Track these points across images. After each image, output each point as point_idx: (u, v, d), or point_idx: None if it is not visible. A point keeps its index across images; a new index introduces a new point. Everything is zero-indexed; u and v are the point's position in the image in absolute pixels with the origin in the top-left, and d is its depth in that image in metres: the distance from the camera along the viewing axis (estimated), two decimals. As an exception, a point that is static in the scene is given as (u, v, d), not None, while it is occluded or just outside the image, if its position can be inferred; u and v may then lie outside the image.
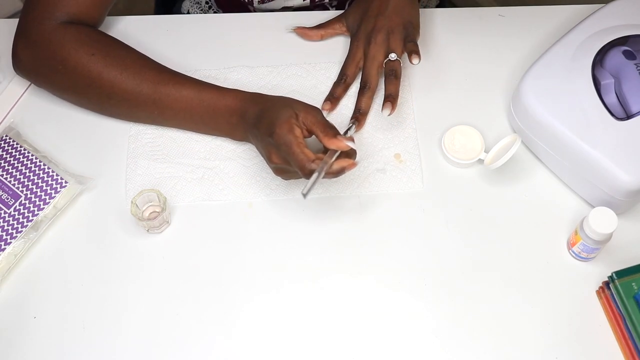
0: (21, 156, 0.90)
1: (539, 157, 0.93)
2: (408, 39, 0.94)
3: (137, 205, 0.85)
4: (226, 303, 0.84)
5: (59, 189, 0.88)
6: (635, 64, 0.88)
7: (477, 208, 0.90)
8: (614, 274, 0.81)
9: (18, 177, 0.89)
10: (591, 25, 0.92)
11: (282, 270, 0.86)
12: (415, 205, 0.90)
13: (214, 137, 0.93)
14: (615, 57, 0.89)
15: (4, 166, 0.90)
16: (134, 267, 0.86)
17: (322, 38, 1.02)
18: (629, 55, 0.89)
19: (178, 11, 1.21)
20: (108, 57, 0.88)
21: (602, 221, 0.80)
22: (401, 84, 0.95)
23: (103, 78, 0.88)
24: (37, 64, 0.90)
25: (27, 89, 0.98)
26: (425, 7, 1.19)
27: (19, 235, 0.85)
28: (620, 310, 0.81)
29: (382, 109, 0.91)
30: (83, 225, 0.88)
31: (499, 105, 0.97)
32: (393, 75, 0.93)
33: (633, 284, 0.80)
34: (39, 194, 0.88)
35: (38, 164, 0.90)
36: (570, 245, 0.86)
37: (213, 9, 1.17)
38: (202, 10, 1.18)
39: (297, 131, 0.80)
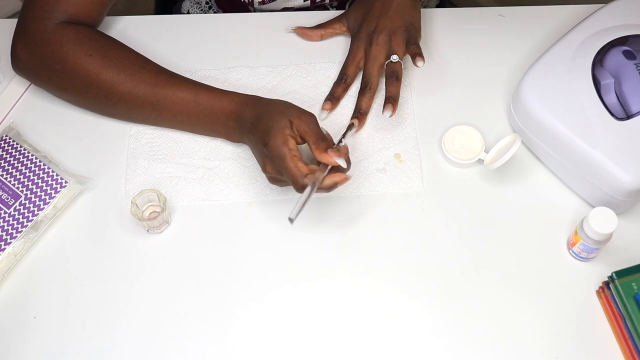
0: (21, 156, 0.90)
1: (539, 157, 0.93)
2: (411, 42, 0.95)
3: (137, 205, 0.85)
4: (226, 303, 0.84)
5: (59, 189, 0.88)
6: (635, 64, 0.88)
7: (477, 208, 0.90)
8: (614, 274, 0.81)
9: (18, 177, 0.89)
10: (591, 25, 0.92)
11: (282, 270, 0.86)
12: (415, 205, 0.90)
13: (213, 137, 0.93)
14: (615, 57, 0.89)
15: (4, 166, 0.90)
16: (134, 267, 0.86)
17: (322, 38, 1.02)
18: (629, 55, 0.89)
19: (178, 11, 1.21)
20: (106, 58, 0.88)
21: (602, 221, 0.80)
22: (401, 84, 0.95)
23: (101, 79, 0.88)
24: (35, 63, 0.90)
25: (27, 89, 0.98)
26: (425, 7, 1.19)
27: (19, 235, 0.85)
28: (620, 310, 0.81)
29: (383, 111, 0.91)
30: (83, 225, 0.88)
31: (499, 105, 0.97)
32: (394, 77, 0.94)
33: (633, 284, 0.80)
34: (39, 194, 0.88)
35: (38, 164, 0.90)
36: (570, 245, 0.86)
37: (213, 9, 1.17)
38: (202, 10, 1.18)
39: (292, 143, 0.80)
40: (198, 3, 1.18)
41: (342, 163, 0.80)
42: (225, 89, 0.90)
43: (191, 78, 0.91)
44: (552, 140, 0.87)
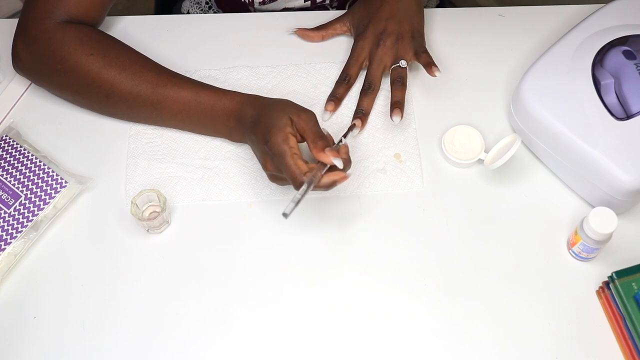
0: (21, 156, 0.90)
1: (539, 157, 0.93)
2: (420, 49, 0.95)
3: (137, 205, 0.85)
4: (226, 303, 0.84)
5: (59, 189, 0.88)
6: (635, 64, 0.88)
7: (477, 208, 0.90)
8: (614, 274, 0.81)
9: (18, 177, 0.89)
10: (591, 25, 0.92)
11: (281, 269, 0.86)
12: (415, 205, 0.90)
13: (213, 137, 0.93)
14: (615, 57, 0.89)
15: (4, 166, 0.90)
16: (134, 267, 0.86)
17: (323, 39, 1.02)
18: (629, 55, 0.89)
19: (178, 11, 1.21)
20: (107, 57, 0.89)
21: (602, 221, 0.80)
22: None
23: (101, 78, 0.88)
24: (36, 62, 0.90)
25: (27, 89, 0.98)
26: (425, 7, 1.19)
27: (19, 235, 0.85)
28: (620, 310, 0.81)
29: (392, 116, 0.92)
30: (83, 225, 0.88)
31: (499, 105, 0.97)
32: (400, 82, 0.94)
33: (633, 284, 0.80)
34: (39, 194, 0.88)
35: (38, 164, 0.90)
36: (570, 245, 0.86)
37: (213, 9, 1.17)
38: (202, 10, 1.18)
39: (292, 141, 0.80)
40: (198, 3, 1.18)
41: (338, 163, 0.80)
42: (226, 89, 0.90)
43: (191, 78, 0.91)
44: (552, 140, 0.87)
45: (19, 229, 0.86)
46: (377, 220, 0.89)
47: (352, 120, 0.94)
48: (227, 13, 1.10)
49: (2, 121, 0.95)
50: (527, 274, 0.86)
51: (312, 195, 0.84)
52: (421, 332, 0.83)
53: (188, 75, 0.92)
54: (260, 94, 0.90)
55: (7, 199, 0.88)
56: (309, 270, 0.86)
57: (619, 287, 0.80)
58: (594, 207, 0.83)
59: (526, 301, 0.84)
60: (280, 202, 0.90)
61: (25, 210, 0.87)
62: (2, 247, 0.85)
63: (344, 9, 1.10)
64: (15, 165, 0.90)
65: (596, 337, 0.82)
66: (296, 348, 0.82)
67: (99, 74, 0.88)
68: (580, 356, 0.81)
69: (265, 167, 0.84)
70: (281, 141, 0.79)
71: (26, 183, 0.88)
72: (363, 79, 0.97)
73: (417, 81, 0.99)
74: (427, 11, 1.03)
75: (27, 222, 0.86)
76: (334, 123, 0.96)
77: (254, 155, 0.89)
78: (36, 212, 0.87)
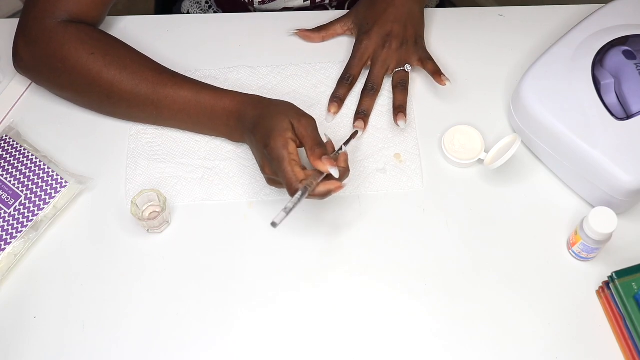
0: (21, 156, 0.90)
1: (539, 157, 0.93)
2: (425, 56, 0.96)
3: (137, 205, 0.85)
4: (226, 303, 0.84)
5: (59, 189, 0.88)
6: (635, 64, 0.88)
7: (477, 208, 0.90)
8: (614, 274, 0.81)
9: (18, 177, 0.89)
10: (591, 25, 0.92)
11: (281, 269, 0.86)
12: (415, 205, 0.90)
13: (213, 137, 0.93)
14: (615, 57, 0.89)
15: (4, 166, 0.90)
16: (134, 267, 0.86)
17: (323, 40, 1.02)
18: (629, 55, 0.89)
19: (178, 11, 1.21)
20: (107, 57, 0.89)
21: (602, 221, 0.80)
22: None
23: (102, 77, 0.88)
24: (37, 62, 0.90)
25: (27, 89, 0.98)
26: (425, 7, 1.19)
27: (19, 235, 0.85)
28: (620, 310, 0.81)
29: (396, 121, 0.92)
30: (83, 225, 0.88)
31: (499, 105, 0.97)
32: (402, 85, 0.95)
33: (633, 284, 0.80)
34: (39, 194, 0.88)
35: (38, 164, 0.90)
36: (570, 245, 0.86)
37: (213, 9, 1.17)
38: (202, 10, 1.18)
39: (292, 147, 0.80)
40: (198, 3, 1.18)
41: (334, 172, 0.79)
42: (227, 89, 0.90)
43: (192, 78, 0.91)
44: (552, 140, 0.87)
45: (19, 229, 0.86)
46: (377, 220, 0.89)
47: (354, 121, 0.94)
48: (227, 13, 1.10)
49: (2, 121, 0.95)
50: (527, 274, 0.86)
51: (304, 201, 0.84)
52: (421, 332, 0.83)
53: (188, 75, 0.92)
54: (260, 94, 0.90)
55: (7, 199, 0.88)
56: (309, 270, 0.86)
57: (619, 287, 0.80)
58: (594, 207, 0.83)
59: (526, 301, 0.84)
60: (281, 202, 0.89)
61: (25, 210, 0.87)
62: (2, 247, 0.85)
63: (344, 9, 1.10)
64: (15, 165, 0.90)
65: (596, 337, 0.82)
66: (296, 348, 0.82)
67: (100, 74, 0.88)
68: (580, 356, 0.81)
69: (263, 170, 0.84)
70: (280, 146, 0.79)
71: (26, 183, 0.88)
72: (364, 79, 0.97)
73: (417, 81, 0.99)
74: (427, 11, 1.03)
75: (27, 222, 0.86)
76: (335, 123, 0.96)
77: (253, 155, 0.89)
78: (36, 212, 0.87)
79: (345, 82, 0.96)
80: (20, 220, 0.86)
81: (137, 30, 1.01)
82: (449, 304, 0.84)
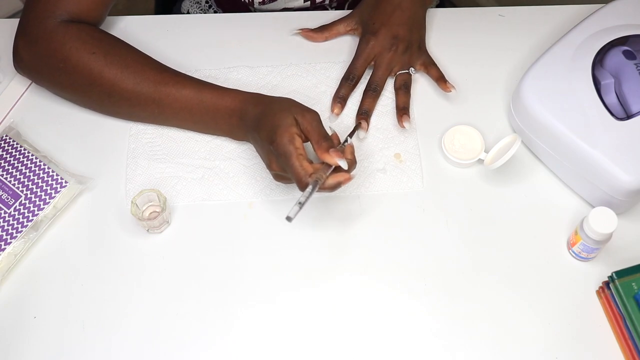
0: (21, 156, 0.90)
1: (539, 157, 0.93)
2: (429, 61, 0.97)
3: (137, 205, 0.85)
4: (226, 303, 0.84)
5: (59, 189, 0.88)
6: (635, 64, 0.88)
7: (477, 208, 0.90)
8: (614, 274, 0.81)
9: (18, 177, 0.89)
10: (591, 25, 0.92)
11: (282, 269, 0.86)
12: (415, 205, 0.90)
13: (213, 137, 0.93)
14: (615, 57, 0.89)
15: (4, 166, 0.90)
16: (134, 267, 0.86)
17: (326, 39, 1.02)
18: (629, 55, 0.89)
19: (178, 11, 1.21)
20: (109, 56, 0.89)
21: (602, 221, 0.80)
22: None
23: (103, 77, 0.88)
24: (37, 62, 0.90)
25: (27, 89, 0.98)
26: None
27: (19, 235, 0.85)
28: (620, 310, 0.81)
29: (401, 123, 0.93)
30: (83, 225, 0.88)
31: (499, 105, 0.97)
32: (405, 88, 0.96)
33: (633, 284, 0.80)
34: (39, 194, 0.88)
35: (38, 164, 0.90)
36: (570, 245, 0.86)
37: (213, 9, 1.17)
38: (202, 10, 1.18)
39: (298, 142, 0.80)
40: (198, 3, 1.18)
41: (342, 164, 0.80)
42: (229, 87, 0.90)
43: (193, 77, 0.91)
44: (552, 140, 0.87)
45: (19, 229, 0.86)
46: (377, 220, 0.89)
47: (356, 121, 0.94)
48: (227, 13, 1.10)
49: (2, 121, 0.95)
50: (527, 273, 0.86)
51: (313, 195, 0.83)
52: (421, 332, 0.83)
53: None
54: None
55: (7, 199, 0.88)
56: (309, 270, 0.86)
57: (619, 287, 0.80)
58: (594, 207, 0.83)
59: (526, 301, 0.84)
60: (281, 202, 0.90)
61: (25, 210, 0.87)
62: (2, 247, 0.85)
63: (343, 9, 1.10)
64: (15, 165, 0.90)
65: (596, 337, 0.82)
66: (296, 348, 0.82)
67: (101, 73, 0.88)
68: (580, 356, 0.81)
69: (270, 167, 0.84)
70: (287, 141, 0.79)
71: (26, 183, 0.88)
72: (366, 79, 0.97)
73: (419, 81, 0.99)
74: (428, 11, 1.03)
75: (27, 222, 0.86)
76: (336, 122, 0.96)
77: (255, 154, 0.89)
78: (36, 212, 0.87)
79: (350, 82, 0.96)
80: (20, 220, 0.86)
81: (137, 30, 1.01)
82: (449, 304, 0.84)
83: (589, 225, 0.80)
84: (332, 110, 0.95)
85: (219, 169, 0.92)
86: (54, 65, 0.89)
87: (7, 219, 0.86)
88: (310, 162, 0.80)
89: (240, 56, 1.00)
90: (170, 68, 0.91)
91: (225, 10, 1.14)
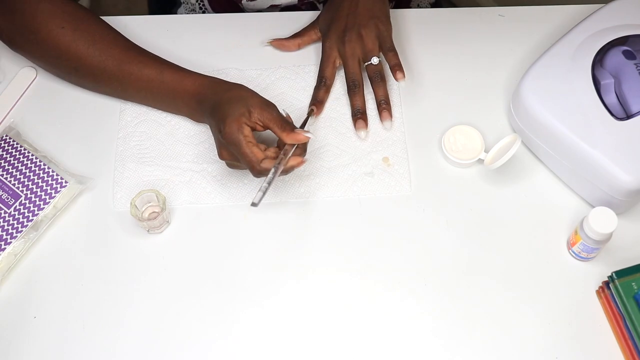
0: (21, 156, 0.90)
1: (539, 157, 0.93)
2: (386, 45, 0.95)
3: (136, 206, 0.85)
4: (226, 303, 0.84)
5: (59, 189, 0.88)
6: (635, 64, 0.88)
7: (477, 208, 0.90)
8: (614, 274, 0.81)
9: (18, 177, 0.89)
10: (591, 25, 0.92)
11: (281, 270, 0.86)
12: (415, 205, 0.90)
13: (201, 140, 0.93)
14: (615, 57, 0.89)
15: (4, 166, 0.90)
16: (134, 267, 0.86)
17: (299, 47, 1.01)
18: (629, 55, 0.89)
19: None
20: (77, 31, 0.90)
21: (602, 221, 0.80)
22: (390, 87, 0.96)
23: (70, 51, 0.90)
24: (14, 32, 0.92)
25: (27, 89, 0.98)
26: (418, 6, 1.19)
27: (19, 235, 0.85)
28: (620, 310, 0.81)
29: (382, 120, 0.93)
30: (83, 225, 0.88)
31: (499, 105, 0.97)
32: (379, 78, 0.95)
33: (633, 284, 0.80)
34: (39, 194, 0.88)
35: (38, 164, 0.90)
36: (570, 245, 0.86)
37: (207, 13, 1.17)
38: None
39: (246, 130, 0.81)
40: (193, 11, 1.17)
41: (310, 136, 0.82)
42: (190, 70, 0.91)
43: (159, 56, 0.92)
44: (552, 140, 0.87)
45: (19, 229, 0.86)
46: (377, 221, 0.89)
47: (354, 124, 0.94)
48: (218, 13, 1.10)
49: (2, 121, 0.95)
50: (527, 274, 0.86)
51: (313, 195, 0.84)
52: (421, 332, 0.83)
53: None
54: None
55: (7, 198, 0.88)
56: (309, 270, 0.86)
57: (619, 287, 0.80)
58: (594, 207, 0.83)
59: (526, 301, 0.84)
60: (281, 202, 0.90)
61: (25, 210, 0.87)
62: (2, 247, 0.85)
63: None
64: (15, 165, 0.90)
65: (596, 337, 0.82)
66: (296, 348, 0.82)
67: (68, 47, 0.89)
68: (580, 356, 0.81)
69: (220, 156, 0.85)
70: (235, 130, 0.80)
71: (26, 183, 0.88)
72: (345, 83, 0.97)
73: (418, 81, 0.99)
74: (427, 11, 1.04)
75: (27, 222, 0.86)
76: (336, 128, 0.95)
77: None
78: (36, 212, 0.87)
79: (322, 86, 0.96)
80: (20, 220, 0.86)
81: (137, 30, 1.01)
82: (449, 304, 0.84)
83: (589, 225, 0.80)
84: (308, 113, 0.93)
85: (206, 172, 0.91)
86: (27, 37, 0.91)
87: (7, 218, 0.86)
88: (260, 148, 0.81)
89: (229, 59, 0.99)
90: (137, 46, 0.92)
91: (217, 11, 1.14)
